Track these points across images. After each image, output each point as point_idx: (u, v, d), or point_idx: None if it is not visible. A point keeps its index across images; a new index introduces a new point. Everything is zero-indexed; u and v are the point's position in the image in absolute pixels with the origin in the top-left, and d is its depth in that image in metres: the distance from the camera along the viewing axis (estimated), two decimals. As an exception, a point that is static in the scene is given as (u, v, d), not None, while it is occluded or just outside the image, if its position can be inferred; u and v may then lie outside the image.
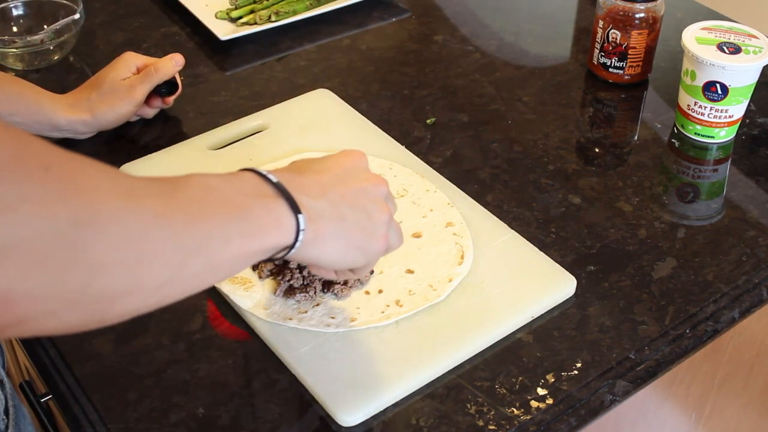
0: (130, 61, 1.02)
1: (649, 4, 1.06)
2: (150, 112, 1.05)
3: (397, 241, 0.71)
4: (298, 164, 0.69)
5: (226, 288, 0.80)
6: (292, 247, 0.61)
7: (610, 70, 1.11)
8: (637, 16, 1.07)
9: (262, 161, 0.96)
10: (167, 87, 1.03)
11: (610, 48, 1.09)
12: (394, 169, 0.95)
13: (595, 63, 1.12)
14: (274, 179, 0.61)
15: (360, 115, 1.05)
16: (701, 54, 0.97)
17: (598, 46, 1.11)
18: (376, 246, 0.68)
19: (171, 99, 1.05)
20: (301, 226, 0.61)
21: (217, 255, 0.55)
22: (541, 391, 0.74)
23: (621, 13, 1.07)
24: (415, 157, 0.97)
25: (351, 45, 1.22)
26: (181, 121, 1.06)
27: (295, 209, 0.61)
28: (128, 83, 1.00)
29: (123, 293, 0.50)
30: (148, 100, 1.03)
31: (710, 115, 1.01)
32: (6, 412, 0.74)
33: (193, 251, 0.53)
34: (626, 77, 1.11)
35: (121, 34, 1.23)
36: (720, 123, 1.01)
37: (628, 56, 1.09)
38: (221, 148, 0.99)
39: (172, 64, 1.01)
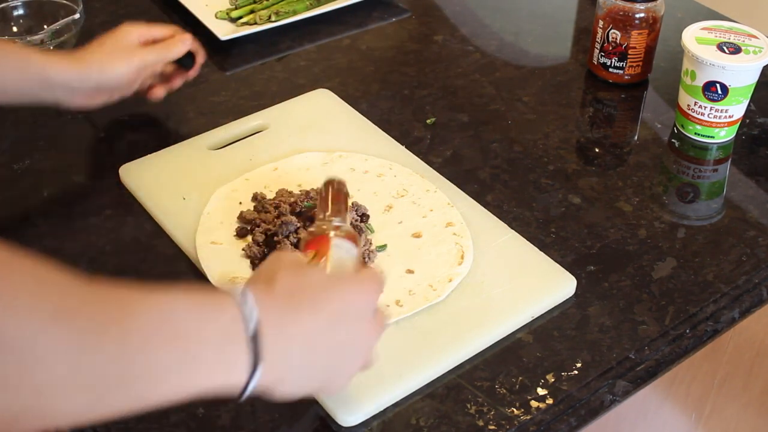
0: (132, 30, 0.96)
1: (649, 4, 1.06)
2: (159, 93, 1.01)
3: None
4: (301, 284, 0.60)
5: (227, 288, 0.80)
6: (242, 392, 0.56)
7: (610, 70, 1.11)
8: (637, 16, 1.07)
9: (262, 161, 0.96)
10: (188, 59, 1.01)
11: (610, 48, 1.09)
12: (394, 169, 0.95)
13: (595, 63, 1.12)
14: (251, 329, 0.54)
15: (360, 115, 1.05)
16: (701, 54, 0.97)
17: (598, 46, 1.11)
18: (356, 369, 0.65)
19: (193, 72, 1.03)
20: (254, 378, 0.55)
21: (145, 392, 0.51)
22: (541, 391, 0.74)
23: (621, 13, 1.07)
24: (415, 157, 0.97)
25: (351, 45, 1.22)
26: (181, 121, 1.06)
27: (256, 360, 0.54)
28: (132, 44, 0.95)
29: (25, 415, 0.47)
30: (170, 79, 1.01)
31: (710, 115, 1.01)
32: None
33: (119, 384, 0.49)
34: (626, 77, 1.11)
35: (121, 34, 1.22)
36: (720, 123, 1.01)
37: (628, 56, 1.09)
38: (221, 148, 0.99)
39: (180, 45, 0.97)
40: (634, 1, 1.06)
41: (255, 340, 0.55)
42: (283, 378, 0.58)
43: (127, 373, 0.49)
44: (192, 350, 0.52)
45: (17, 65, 0.89)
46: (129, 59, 0.93)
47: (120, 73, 0.93)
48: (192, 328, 0.53)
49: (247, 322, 0.55)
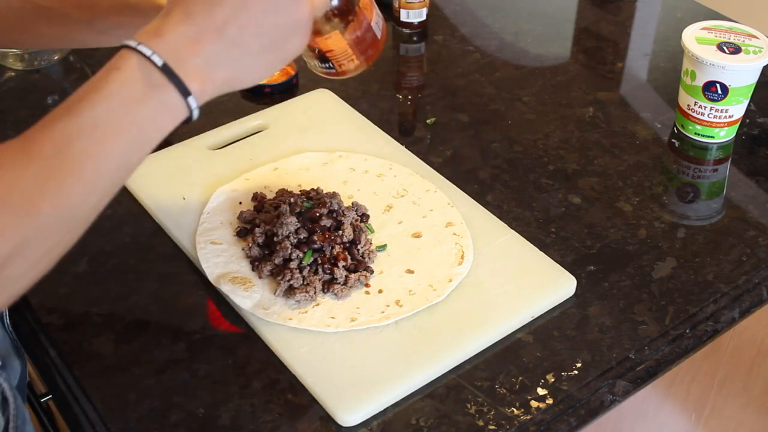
0: None
1: None
2: None
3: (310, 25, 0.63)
4: None
5: (226, 288, 0.80)
6: (189, 119, 0.58)
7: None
8: None
9: (262, 161, 0.96)
10: None
11: None
12: (394, 169, 0.95)
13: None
14: (159, 61, 0.55)
15: (360, 115, 1.05)
16: (701, 54, 0.97)
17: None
18: (295, 51, 0.63)
19: None
20: (192, 108, 0.57)
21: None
22: (541, 391, 0.74)
23: None
24: (415, 157, 0.97)
25: (351, 45, 1.22)
26: (181, 121, 1.06)
27: (184, 92, 0.56)
28: None
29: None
30: None
31: (710, 115, 1.01)
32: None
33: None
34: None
35: (121, 34, 1.22)
36: (720, 123, 1.01)
37: None
38: (221, 148, 0.99)
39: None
40: None
41: (170, 75, 0.55)
42: (218, 81, 0.59)
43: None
44: (128, 131, 0.55)
45: (113, 1, 0.78)
46: None
47: None
48: (113, 115, 0.54)
49: (153, 61, 0.55)
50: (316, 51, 0.80)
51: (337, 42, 0.81)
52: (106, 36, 0.80)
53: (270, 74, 0.63)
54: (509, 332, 0.79)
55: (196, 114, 0.58)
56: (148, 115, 0.56)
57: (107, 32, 0.80)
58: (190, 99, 0.57)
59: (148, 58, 0.55)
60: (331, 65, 0.83)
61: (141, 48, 0.56)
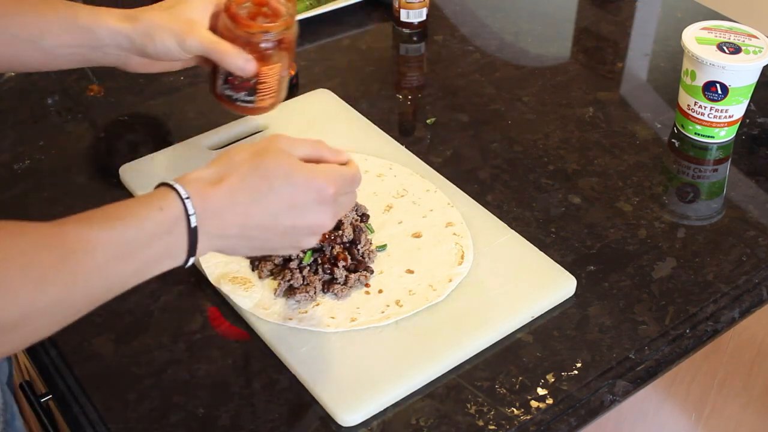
0: None
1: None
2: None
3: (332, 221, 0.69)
4: (252, 176, 0.64)
5: (226, 288, 0.80)
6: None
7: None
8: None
9: (262, 161, 0.96)
10: None
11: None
12: (394, 169, 0.95)
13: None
14: (193, 223, 0.61)
15: (360, 115, 1.05)
16: (701, 54, 0.97)
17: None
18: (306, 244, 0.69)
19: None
20: (189, 263, 0.63)
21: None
22: (541, 391, 0.74)
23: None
24: (415, 157, 0.97)
25: (351, 45, 1.22)
26: (181, 121, 1.06)
27: (192, 251, 0.63)
28: (195, 15, 0.82)
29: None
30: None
31: (710, 115, 1.01)
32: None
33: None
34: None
35: (121, 34, 1.22)
36: (720, 123, 1.01)
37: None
38: (221, 148, 0.99)
39: (240, 62, 0.81)
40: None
41: (193, 232, 0.61)
42: (220, 250, 0.65)
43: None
44: (139, 258, 0.60)
45: (63, 20, 0.79)
46: (180, 36, 0.80)
47: (168, 49, 0.80)
48: (136, 244, 0.60)
49: (186, 214, 0.61)
50: (252, 81, 0.84)
51: (273, 75, 0.85)
52: (50, 55, 0.82)
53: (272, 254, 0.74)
54: (509, 332, 0.79)
55: (187, 265, 0.64)
56: (159, 256, 0.61)
57: (52, 51, 0.81)
58: (192, 258, 0.63)
59: (188, 215, 0.61)
60: (253, 99, 0.86)
61: (187, 203, 0.61)
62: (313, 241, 0.69)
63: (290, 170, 0.64)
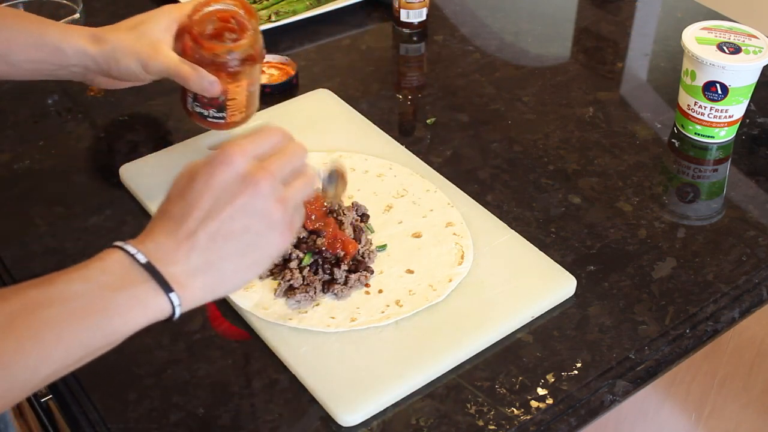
0: (173, 12, 0.85)
1: None
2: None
3: (299, 220, 0.64)
4: (164, 206, 0.62)
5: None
6: (172, 316, 0.59)
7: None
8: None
9: (262, 161, 0.96)
10: None
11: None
12: (394, 169, 0.95)
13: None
14: (143, 259, 0.58)
15: (360, 115, 1.05)
16: (701, 54, 0.97)
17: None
18: (276, 248, 0.62)
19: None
20: (176, 305, 0.58)
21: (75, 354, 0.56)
22: (541, 391, 0.74)
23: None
24: (415, 157, 0.97)
25: (351, 45, 1.22)
26: (181, 121, 1.06)
27: (166, 288, 0.57)
28: (160, 37, 0.84)
29: None
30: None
31: (710, 115, 1.01)
32: None
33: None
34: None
35: (121, 34, 1.22)
36: (720, 123, 1.01)
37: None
38: (221, 148, 0.99)
39: (204, 85, 0.84)
40: None
41: (152, 272, 0.57)
42: (199, 290, 0.59)
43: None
44: (100, 313, 0.56)
45: (31, 36, 0.82)
46: (144, 59, 0.83)
47: (130, 70, 0.84)
48: (89, 298, 0.56)
49: (137, 259, 0.58)
50: (221, 99, 0.85)
51: (241, 91, 0.86)
52: (16, 68, 0.84)
53: (256, 274, 0.63)
54: (509, 332, 0.79)
55: (178, 312, 0.59)
56: (120, 306, 0.57)
57: (18, 65, 0.83)
58: (173, 295, 0.58)
59: (132, 256, 0.58)
60: (223, 116, 0.87)
61: (127, 247, 0.58)
62: (281, 236, 0.62)
63: (203, 162, 0.61)
